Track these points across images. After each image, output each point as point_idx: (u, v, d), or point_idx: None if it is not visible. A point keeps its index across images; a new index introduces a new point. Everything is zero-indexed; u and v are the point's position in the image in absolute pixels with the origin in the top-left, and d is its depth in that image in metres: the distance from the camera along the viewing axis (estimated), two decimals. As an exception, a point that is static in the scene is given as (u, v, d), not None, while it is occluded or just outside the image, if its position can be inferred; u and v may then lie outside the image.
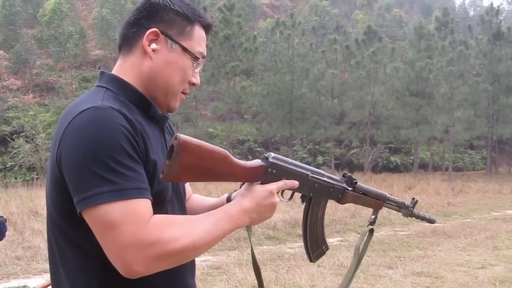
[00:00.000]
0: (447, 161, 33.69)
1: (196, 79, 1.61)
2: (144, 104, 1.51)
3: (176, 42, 1.52)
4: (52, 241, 1.49)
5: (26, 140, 28.43)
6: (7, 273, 7.61)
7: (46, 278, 3.70)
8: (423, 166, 36.55)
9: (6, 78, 41.38)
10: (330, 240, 10.19)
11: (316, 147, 36.45)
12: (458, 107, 30.05)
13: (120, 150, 1.31)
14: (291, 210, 11.87)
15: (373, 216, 1.96)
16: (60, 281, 1.48)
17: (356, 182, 1.83)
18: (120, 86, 1.49)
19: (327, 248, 1.85)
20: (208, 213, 1.45)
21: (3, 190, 19.08)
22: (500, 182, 26.05)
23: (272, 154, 1.58)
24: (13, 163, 28.71)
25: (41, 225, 10.60)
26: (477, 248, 9.67)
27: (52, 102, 35.82)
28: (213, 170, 1.44)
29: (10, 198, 15.34)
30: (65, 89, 39.75)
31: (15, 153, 28.40)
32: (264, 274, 7.33)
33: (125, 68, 1.54)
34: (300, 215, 11.41)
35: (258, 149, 32.91)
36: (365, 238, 1.94)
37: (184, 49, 1.53)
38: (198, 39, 1.57)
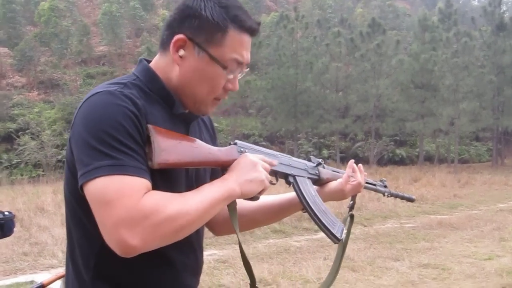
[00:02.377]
0: (452, 153, 33.61)
1: (233, 85, 1.53)
2: (168, 100, 1.49)
3: (204, 50, 1.45)
4: (67, 222, 1.51)
5: (31, 137, 28.51)
6: (14, 269, 7.64)
7: (53, 273, 3.73)
8: (429, 159, 36.49)
9: (11, 76, 41.53)
10: (336, 233, 10.19)
11: (321, 140, 36.42)
12: (463, 99, 29.92)
13: (122, 130, 1.31)
14: (297, 204, 11.82)
15: (351, 202, 1.96)
16: (68, 261, 1.51)
17: (323, 161, 1.85)
18: (150, 78, 1.49)
19: (341, 224, 1.78)
20: (198, 188, 1.44)
21: (10, 187, 19.16)
22: (506, 174, 25.98)
23: (238, 141, 1.60)
24: (19, 160, 28.80)
25: (48, 221, 10.64)
26: (484, 240, 9.65)
27: (57, 99, 35.91)
28: (193, 152, 1.45)
29: (17, 195, 15.40)
30: (70, 85, 39.85)
31: (21, 150, 28.48)
32: (271, 268, 7.34)
33: (159, 66, 1.52)
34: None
35: (264, 143, 32.89)
36: (347, 224, 1.91)
37: (212, 58, 1.46)
38: (233, 45, 1.47)
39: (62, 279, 3.16)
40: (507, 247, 8.85)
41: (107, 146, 1.29)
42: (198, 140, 1.50)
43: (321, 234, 7.38)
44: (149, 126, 1.38)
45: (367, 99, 31.26)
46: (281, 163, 1.68)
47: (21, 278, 7.11)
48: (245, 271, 1.65)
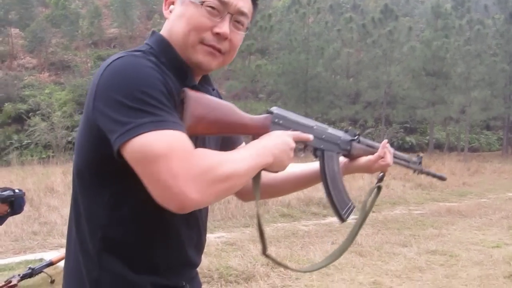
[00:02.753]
0: (462, 142, 33.46)
1: (220, 28, 1.47)
2: (181, 71, 1.47)
3: None
4: (74, 197, 1.49)
5: (42, 118, 28.57)
6: (24, 248, 7.71)
7: (62, 252, 3.77)
8: (439, 147, 36.33)
9: (22, 57, 41.60)
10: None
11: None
12: (474, 87, 29.78)
13: (156, 89, 1.31)
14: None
15: (381, 174, 1.96)
16: (71, 235, 1.49)
17: (359, 135, 1.86)
18: (164, 49, 1.47)
19: (353, 205, 1.81)
20: (238, 149, 1.50)
21: (20, 167, 19.25)
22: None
23: (276, 107, 1.61)
24: (29, 141, 28.92)
25: (57, 202, 10.71)
26: (492, 228, 9.63)
27: (67, 81, 35.96)
28: (224, 120, 1.47)
29: (27, 175, 15.47)
30: (80, 67, 39.88)
31: (31, 131, 28.58)
32: (279, 251, 7.36)
33: (166, 34, 1.52)
34: (313, 193, 11.43)
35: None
36: (372, 195, 1.93)
37: None
38: None
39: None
40: (515, 236, 8.85)
41: (145, 104, 1.27)
42: (232, 106, 1.50)
43: (330, 219, 7.41)
44: (185, 89, 1.40)
45: (378, 86, 31.12)
46: (314, 136, 1.67)
47: (30, 256, 7.17)
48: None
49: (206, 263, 6.22)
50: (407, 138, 36.50)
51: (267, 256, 1.64)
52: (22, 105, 31.74)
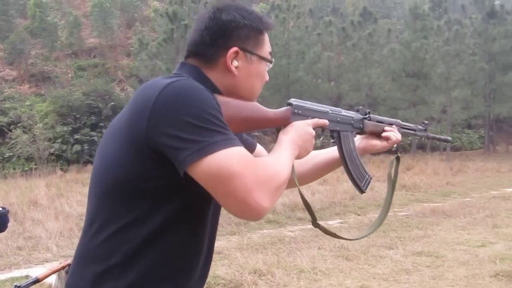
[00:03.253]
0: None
1: (267, 76, 1.77)
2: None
3: (255, 54, 1.67)
4: (95, 211, 1.56)
5: (23, 131, 28.33)
6: (9, 263, 7.63)
7: (47, 267, 3.73)
8: (421, 147, 36.53)
9: (2, 69, 41.24)
10: (330, 223, 10.26)
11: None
12: (455, 87, 29.99)
13: (218, 111, 1.43)
14: (290, 194, 11.86)
15: (395, 145, 2.17)
16: (84, 251, 1.56)
17: (369, 112, 2.07)
18: (202, 79, 1.57)
19: (370, 177, 2.03)
20: (275, 149, 1.64)
21: (2, 181, 19.12)
22: (499, 161, 26.11)
23: (293, 99, 1.84)
24: (11, 154, 28.65)
25: (41, 215, 10.63)
26: (477, 227, 9.71)
27: (48, 92, 35.70)
28: (251, 118, 1.68)
29: (10, 189, 15.36)
30: (61, 78, 39.67)
31: (13, 143, 28.32)
32: (266, 258, 7.36)
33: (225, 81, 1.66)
34: (298, 198, 11.40)
35: (256, 133, 32.88)
36: (393, 165, 2.19)
37: (262, 58, 1.70)
38: (267, 42, 1.73)
39: (57, 273, 3.16)
40: (500, 234, 8.91)
41: (213, 124, 1.39)
42: (256, 105, 1.72)
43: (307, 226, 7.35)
44: (216, 95, 1.51)
45: (359, 88, 31.26)
46: (330, 120, 1.89)
47: (16, 273, 7.10)
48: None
49: (194, 273, 6.19)
50: (390, 140, 36.61)
51: (318, 226, 1.85)
52: (3, 117, 31.42)
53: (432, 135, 2.36)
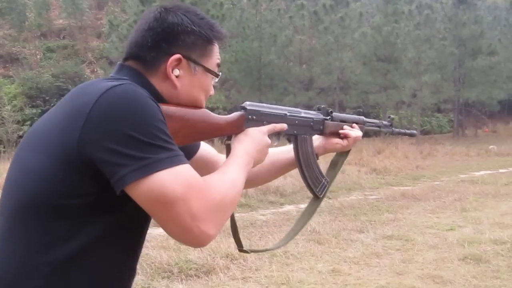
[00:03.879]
0: (415, 125, 33.97)
1: (212, 90, 1.62)
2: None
3: (200, 65, 1.52)
4: (11, 229, 1.35)
5: (-9, 113, 27.89)
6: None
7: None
8: (392, 130, 36.83)
9: (-32, 50, 40.48)
10: (301, 206, 10.30)
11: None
12: (425, 71, 30.25)
13: (164, 123, 1.30)
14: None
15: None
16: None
17: (331, 112, 1.97)
18: (143, 84, 1.41)
19: (327, 181, 1.97)
20: (226, 163, 1.52)
21: (-30, 164, 18.76)
22: (467, 145, 26.47)
23: (248, 102, 1.70)
24: (-21, 137, 28.23)
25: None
26: (446, 211, 9.85)
27: (16, 74, 35.10)
28: (200, 127, 1.54)
29: (-23, 172, 15.10)
30: (30, 60, 39.01)
31: (-19, 126, 27.88)
32: (237, 242, 7.35)
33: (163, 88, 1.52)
34: (270, 183, 11.46)
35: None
36: (342, 155, 2.13)
37: (207, 70, 1.55)
38: (216, 54, 1.58)
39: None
40: (468, 218, 9.06)
41: (159, 139, 1.26)
42: (205, 112, 1.57)
43: (287, 208, 7.47)
44: (160, 104, 1.37)
45: (330, 72, 31.29)
46: (287, 124, 1.78)
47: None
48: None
49: (166, 258, 6.19)
50: (361, 123, 36.83)
51: (245, 251, 1.82)
52: (-30, 100, 30.92)
53: (397, 130, 2.32)
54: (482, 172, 16.28)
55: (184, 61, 1.48)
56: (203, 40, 1.51)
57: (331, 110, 1.99)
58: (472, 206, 10.21)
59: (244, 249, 1.81)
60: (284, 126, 1.74)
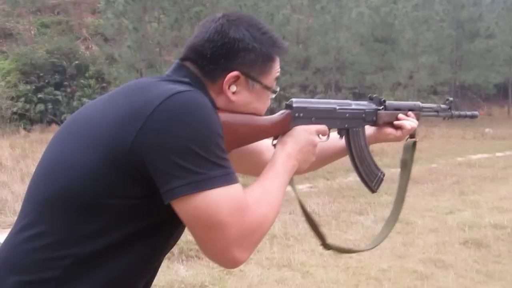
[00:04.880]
0: (410, 107, 33.97)
1: (269, 103, 1.57)
2: None
3: (259, 82, 1.48)
4: (32, 220, 1.32)
5: (-15, 89, 27.71)
6: (-26, 226, 7.47)
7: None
8: (387, 112, 36.84)
9: (-39, 24, 40.09)
10: (300, 187, 10.25)
11: (281, 92, 36.22)
12: (422, 53, 30.21)
13: (222, 138, 1.29)
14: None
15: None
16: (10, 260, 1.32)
17: (384, 101, 1.87)
18: (203, 92, 1.38)
19: (383, 174, 1.89)
20: (267, 174, 1.46)
21: (-36, 140, 18.64)
22: (463, 128, 26.44)
23: (294, 99, 1.62)
24: (-27, 113, 28.05)
25: (7, 177, 10.39)
26: (444, 194, 9.83)
27: (10, 49, 34.79)
28: (245, 132, 1.48)
29: (-28, 149, 15.00)
30: (24, 35, 38.62)
31: (-26, 102, 27.69)
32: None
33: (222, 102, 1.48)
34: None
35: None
36: (410, 151, 2.06)
37: (265, 87, 1.50)
38: (276, 69, 1.53)
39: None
40: (467, 201, 9.05)
41: (216, 157, 1.24)
42: (249, 116, 1.50)
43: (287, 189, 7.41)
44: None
45: (327, 52, 31.19)
46: (337, 118, 1.71)
47: (-18, 236, 6.96)
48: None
49: (166, 238, 6.14)
50: (357, 104, 36.80)
51: (329, 247, 1.78)
52: (-37, 75, 30.69)
53: (457, 113, 2.22)
54: (479, 156, 16.25)
55: (242, 78, 1.44)
56: (264, 57, 1.46)
57: (384, 99, 1.88)
58: (470, 189, 10.19)
59: (328, 243, 1.76)
60: (326, 129, 1.65)
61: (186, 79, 1.38)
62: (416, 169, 12.88)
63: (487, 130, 24.12)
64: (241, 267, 5.63)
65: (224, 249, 1.25)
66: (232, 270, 5.66)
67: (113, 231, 1.28)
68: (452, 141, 21.21)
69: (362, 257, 6.02)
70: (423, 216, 7.99)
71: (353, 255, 6.08)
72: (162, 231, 1.38)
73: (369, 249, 2.06)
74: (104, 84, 28.79)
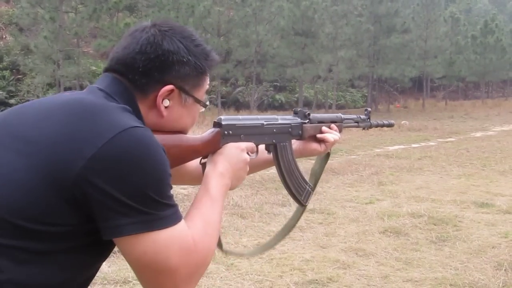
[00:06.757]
0: (330, 99, 34.62)
1: (197, 118, 1.53)
2: None
3: (191, 96, 1.43)
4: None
5: None
6: None
7: None
8: (307, 104, 37.33)
9: None
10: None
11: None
12: (341, 47, 30.81)
13: (170, 174, 1.25)
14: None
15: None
16: None
17: (309, 114, 1.86)
18: (135, 111, 1.32)
19: (311, 187, 1.92)
20: (204, 203, 1.40)
21: None
22: (380, 120, 27.14)
23: (223, 117, 1.58)
24: None
25: None
26: (364, 184, 10.02)
27: None
28: (173, 154, 1.39)
29: None
30: None
31: None
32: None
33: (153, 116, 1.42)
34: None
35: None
36: (322, 162, 2.10)
37: (197, 101, 1.46)
38: (207, 82, 1.50)
39: None
40: (385, 191, 9.25)
41: (166, 197, 1.20)
42: (179, 136, 1.46)
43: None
44: None
45: (248, 44, 31.31)
46: (265, 134, 1.70)
47: None
48: None
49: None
50: (277, 96, 37.15)
51: (224, 252, 1.79)
52: None
53: (375, 123, 2.25)
54: (396, 147, 16.73)
55: (176, 91, 1.38)
56: (197, 71, 1.41)
57: (308, 112, 1.88)
58: (388, 180, 10.45)
59: (223, 249, 1.74)
60: (254, 146, 1.63)
61: (128, 107, 1.30)
62: (336, 161, 13.12)
63: (403, 122, 24.79)
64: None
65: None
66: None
67: (37, 254, 1.17)
68: (370, 132, 21.61)
69: (286, 248, 6.06)
70: (344, 206, 8.12)
71: (277, 246, 6.09)
72: (96, 257, 1.32)
73: (254, 255, 2.07)
74: (20, 76, 27.83)
